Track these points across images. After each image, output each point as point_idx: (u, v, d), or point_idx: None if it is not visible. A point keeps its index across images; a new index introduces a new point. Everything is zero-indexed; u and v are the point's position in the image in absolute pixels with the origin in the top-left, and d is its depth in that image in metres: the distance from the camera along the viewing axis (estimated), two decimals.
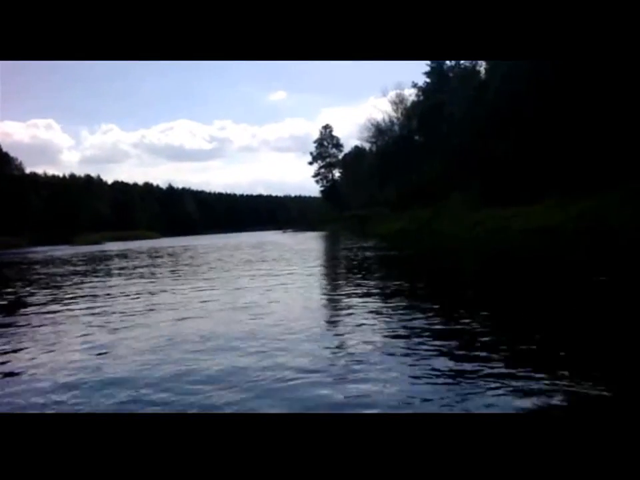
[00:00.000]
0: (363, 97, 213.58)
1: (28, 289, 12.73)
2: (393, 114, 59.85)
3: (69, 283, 13.62)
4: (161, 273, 15.43)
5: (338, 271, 13.86)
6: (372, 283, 9.90)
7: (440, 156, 45.94)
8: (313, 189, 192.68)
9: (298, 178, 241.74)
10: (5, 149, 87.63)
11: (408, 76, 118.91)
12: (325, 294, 9.50)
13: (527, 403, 3.34)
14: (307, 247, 28.65)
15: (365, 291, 8.71)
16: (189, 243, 45.60)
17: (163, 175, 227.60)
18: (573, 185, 20.64)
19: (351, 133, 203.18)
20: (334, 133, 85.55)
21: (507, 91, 29.68)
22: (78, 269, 19.61)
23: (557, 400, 3.42)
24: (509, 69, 30.81)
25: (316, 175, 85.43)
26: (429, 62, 55.25)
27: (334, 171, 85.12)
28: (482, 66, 49.86)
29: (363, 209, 58.41)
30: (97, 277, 15.37)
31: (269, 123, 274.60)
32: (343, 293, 8.85)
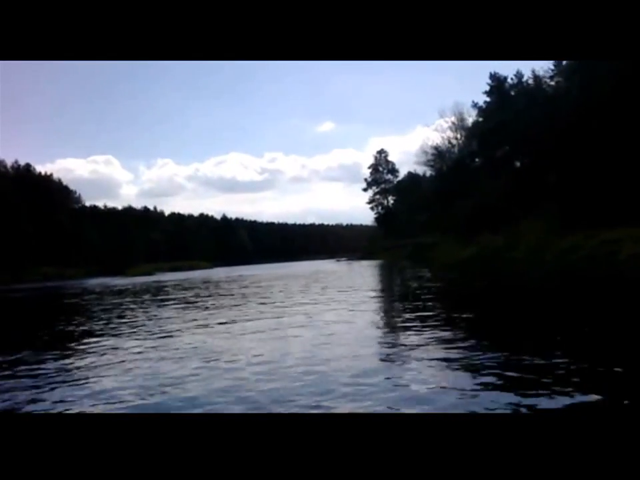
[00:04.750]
0: (410, 125, 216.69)
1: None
2: (452, 135, 57.10)
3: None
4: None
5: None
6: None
7: (505, 178, 42.75)
8: (364, 217, 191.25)
9: (348, 207, 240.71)
10: (65, 183, 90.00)
11: (456, 100, 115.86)
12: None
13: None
14: (369, 277, 26.18)
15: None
16: (246, 273, 43.81)
17: (216, 206, 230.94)
18: None
19: (400, 161, 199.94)
20: (389, 158, 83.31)
21: (589, 102, 26.63)
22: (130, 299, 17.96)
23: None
24: (588, 80, 27.82)
25: (371, 202, 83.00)
26: (489, 81, 52.71)
27: (389, 197, 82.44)
28: (546, 84, 46.75)
29: (421, 236, 55.48)
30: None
31: (318, 154, 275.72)
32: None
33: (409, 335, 7.52)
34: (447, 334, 7.31)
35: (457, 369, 5.29)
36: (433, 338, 7.05)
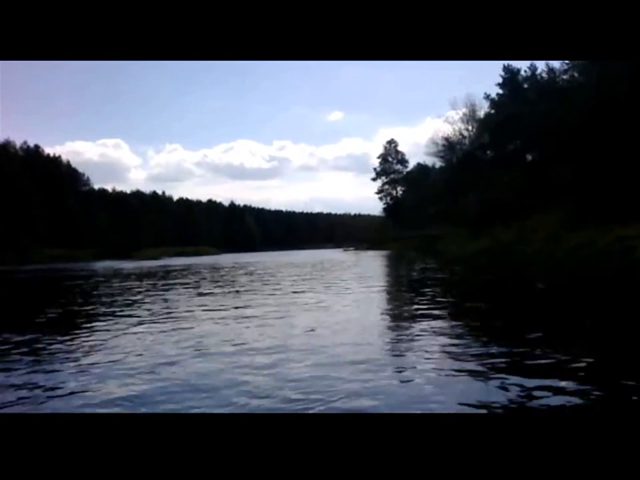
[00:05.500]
0: (419, 117, 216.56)
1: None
2: (463, 127, 56.52)
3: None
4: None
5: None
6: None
7: (517, 171, 42.33)
8: (371, 207, 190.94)
9: (356, 196, 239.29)
10: (74, 166, 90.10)
11: (467, 91, 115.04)
12: None
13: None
14: (376, 268, 26.02)
15: None
16: (253, 260, 43.76)
17: (224, 192, 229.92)
18: None
19: (410, 152, 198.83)
20: (399, 149, 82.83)
21: (604, 97, 26.20)
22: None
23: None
24: (604, 74, 27.36)
25: (379, 192, 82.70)
26: (502, 73, 52.00)
27: (397, 188, 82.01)
28: (560, 78, 46.07)
29: (429, 228, 55.22)
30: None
31: (327, 143, 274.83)
32: None
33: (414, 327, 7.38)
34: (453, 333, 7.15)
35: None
36: (434, 331, 6.91)
